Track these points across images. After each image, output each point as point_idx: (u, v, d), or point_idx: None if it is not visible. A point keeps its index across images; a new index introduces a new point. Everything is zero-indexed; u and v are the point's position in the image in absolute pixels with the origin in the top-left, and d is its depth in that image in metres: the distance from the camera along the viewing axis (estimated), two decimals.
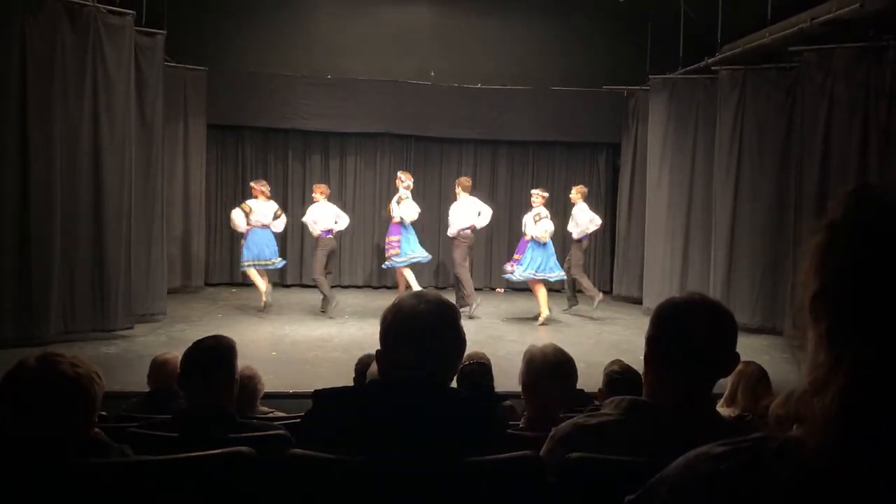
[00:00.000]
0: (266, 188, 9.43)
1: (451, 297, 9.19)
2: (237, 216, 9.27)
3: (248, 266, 9.25)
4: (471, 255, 9.71)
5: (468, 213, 9.50)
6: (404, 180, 9.66)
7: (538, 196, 9.26)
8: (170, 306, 8.70)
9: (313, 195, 9.60)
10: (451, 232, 9.55)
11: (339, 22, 11.31)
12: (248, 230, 9.23)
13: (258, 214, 9.25)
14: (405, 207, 9.52)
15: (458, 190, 9.59)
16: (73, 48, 7.12)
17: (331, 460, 1.59)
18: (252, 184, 9.58)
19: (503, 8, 11.44)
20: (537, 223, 9.11)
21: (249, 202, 9.34)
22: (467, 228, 9.43)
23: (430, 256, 9.91)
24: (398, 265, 9.62)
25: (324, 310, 9.31)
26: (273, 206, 9.45)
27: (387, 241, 9.68)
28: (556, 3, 11.37)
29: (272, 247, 9.37)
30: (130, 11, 7.68)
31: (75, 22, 7.15)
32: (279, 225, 9.49)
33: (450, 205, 9.84)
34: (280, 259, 9.55)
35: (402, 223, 9.53)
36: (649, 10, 10.75)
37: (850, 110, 7.66)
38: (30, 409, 1.77)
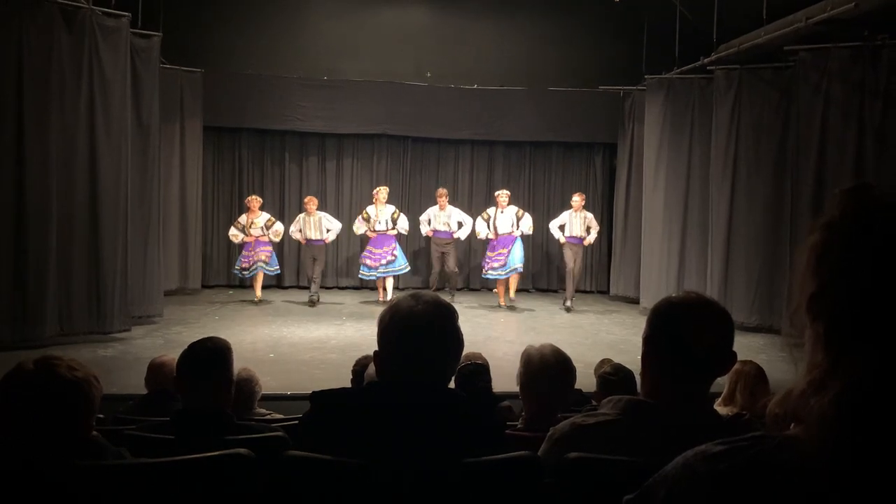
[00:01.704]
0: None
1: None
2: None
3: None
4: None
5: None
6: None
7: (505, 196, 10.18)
8: (166, 308, 8.70)
9: (311, 207, 10.06)
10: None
11: (335, 23, 11.30)
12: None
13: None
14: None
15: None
16: (69, 50, 7.11)
17: (328, 462, 1.59)
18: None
19: (499, 9, 11.45)
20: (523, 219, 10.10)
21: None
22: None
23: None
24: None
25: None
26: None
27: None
28: (552, 3, 11.38)
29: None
30: (126, 13, 7.68)
31: (71, 24, 7.14)
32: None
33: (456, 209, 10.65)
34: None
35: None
36: (645, 11, 10.76)
37: (845, 109, 7.68)
38: (28, 412, 1.76)
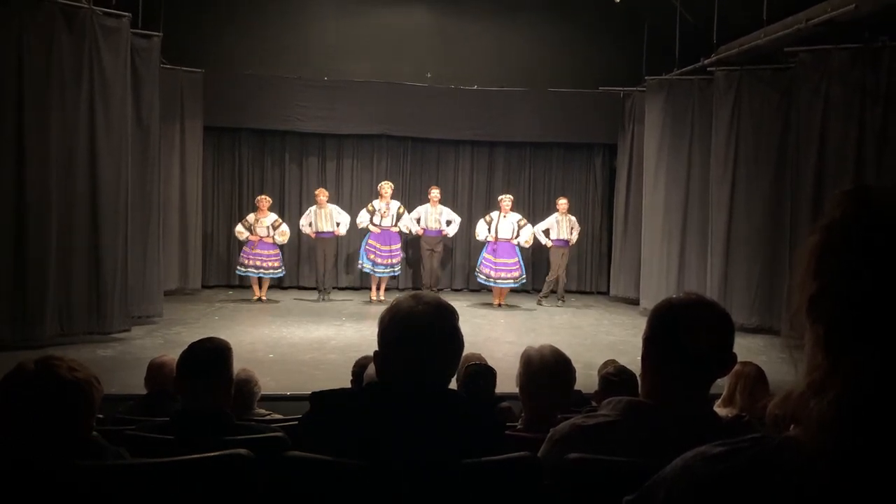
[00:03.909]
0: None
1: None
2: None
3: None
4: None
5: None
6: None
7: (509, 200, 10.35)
8: (166, 308, 8.69)
9: (322, 199, 10.30)
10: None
11: (335, 24, 11.30)
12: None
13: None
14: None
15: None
16: (69, 50, 7.11)
17: (328, 462, 1.59)
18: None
19: (500, 10, 11.45)
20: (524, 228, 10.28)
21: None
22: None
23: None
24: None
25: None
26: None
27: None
28: (552, 4, 11.38)
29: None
30: (127, 13, 7.68)
31: (72, 24, 7.14)
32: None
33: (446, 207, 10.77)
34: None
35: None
36: (645, 12, 10.76)
37: (845, 111, 7.67)
38: (28, 413, 1.76)
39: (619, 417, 1.67)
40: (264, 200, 10.14)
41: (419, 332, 1.69)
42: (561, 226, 10.47)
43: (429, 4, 11.56)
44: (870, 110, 7.53)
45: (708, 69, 9.36)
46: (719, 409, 3.33)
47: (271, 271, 10.17)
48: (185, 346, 2.59)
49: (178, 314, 8.84)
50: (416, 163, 11.86)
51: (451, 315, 1.76)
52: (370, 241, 10.28)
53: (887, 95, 7.39)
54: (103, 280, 7.38)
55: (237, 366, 2.76)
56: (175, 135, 10.20)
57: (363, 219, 10.31)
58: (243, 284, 11.16)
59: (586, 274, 12.09)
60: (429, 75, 11.38)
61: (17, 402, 1.78)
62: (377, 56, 11.26)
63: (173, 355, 3.12)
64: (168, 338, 7.57)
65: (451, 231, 10.64)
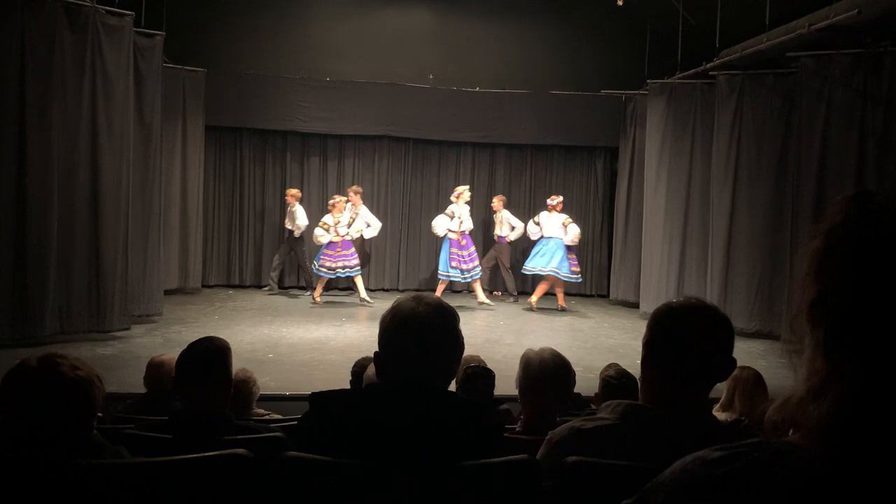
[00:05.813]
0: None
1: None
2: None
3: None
4: None
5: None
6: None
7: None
8: (166, 307, 8.69)
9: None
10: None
11: (337, 24, 11.31)
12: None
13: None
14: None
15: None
16: (72, 49, 7.11)
17: (327, 463, 1.59)
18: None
19: (502, 11, 11.45)
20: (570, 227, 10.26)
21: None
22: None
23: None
24: None
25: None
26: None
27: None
28: (555, 7, 11.38)
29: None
30: (130, 12, 7.68)
31: (74, 22, 7.15)
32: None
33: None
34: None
35: None
36: (648, 15, 10.77)
37: (847, 116, 7.68)
38: (29, 410, 1.76)
39: (618, 421, 1.67)
40: (340, 200, 10.04)
41: (420, 334, 1.69)
42: (502, 223, 10.76)
43: (431, 6, 11.56)
44: (871, 115, 7.53)
45: (710, 73, 9.35)
46: (718, 414, 3.33)
47: (357, 269, 10.07)
48: (185, 346, 2.59)
49: (178, 313, 8.84)
50: (416, 164, 11.85)
51: (451, 317, 1.76)
52: (452, 249, 10.12)
53: (889, 100, 7.40)
54: (103, 278, 7.37)
55: (237, 366, 2.76)
56: (177, 134, 10.20)
57: (442, 223, 10.15)
58: (243, 284, 11.18)
59: (586, 277, 12.06)
60: (431, 77, 11.38)
61: (20, 399, 1.78)
62: (379, 57, 11.27)
63: (173, 354, 3.11)
64: (168, 337, 7.57)
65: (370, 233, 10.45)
